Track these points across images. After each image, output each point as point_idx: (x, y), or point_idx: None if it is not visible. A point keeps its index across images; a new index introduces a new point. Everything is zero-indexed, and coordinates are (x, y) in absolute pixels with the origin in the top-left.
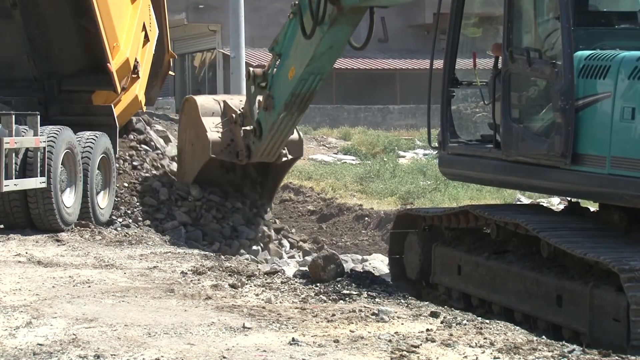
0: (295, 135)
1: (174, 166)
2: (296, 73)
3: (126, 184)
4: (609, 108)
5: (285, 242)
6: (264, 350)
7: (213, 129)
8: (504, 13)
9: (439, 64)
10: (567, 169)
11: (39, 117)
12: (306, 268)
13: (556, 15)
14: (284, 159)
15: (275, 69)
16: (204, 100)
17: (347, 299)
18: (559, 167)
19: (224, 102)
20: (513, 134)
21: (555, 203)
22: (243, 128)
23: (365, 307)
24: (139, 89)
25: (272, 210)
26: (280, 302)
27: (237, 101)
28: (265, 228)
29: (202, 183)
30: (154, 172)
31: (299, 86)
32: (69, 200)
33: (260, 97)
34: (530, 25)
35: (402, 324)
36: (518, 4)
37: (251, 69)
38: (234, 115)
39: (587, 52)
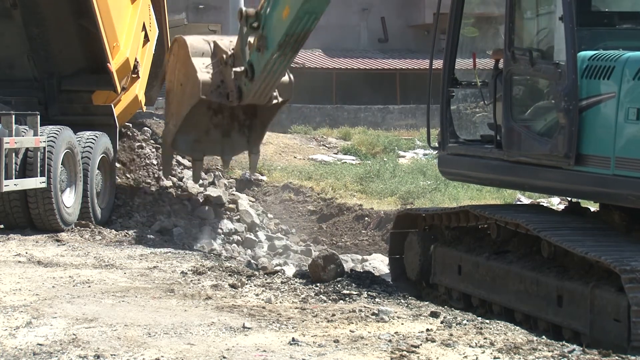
0: (285, 78)
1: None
2: (291, 12)
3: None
4: (613, 108)
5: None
6: (264, 350)
7: (203, 69)
8: (505, 13)
9: (438, 63)
10: (570, 170)
11: (39, 117)
12: (306, 268)
13: (559, 16)
14: (275, 101)
15: (268, 9)
16: (193, 40)
17: (347, 299)
18: (562, 168)
19: (214, 42)
20: (515, 135)
21: (555, 203)
22: (234, 69)
23: (365, 307)
24: (139, 89)
25: (261, 167)
26: (280, 302)
27: (227, 42)
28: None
29: (190, 126)
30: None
31: (294, 26)
32: (69, 200)
33: (252, 39)
34: (533, 25)
35: (402, 324)
36: (520, 4)
37: (243, 8)
38: (224, 56)
39: (591, 53)
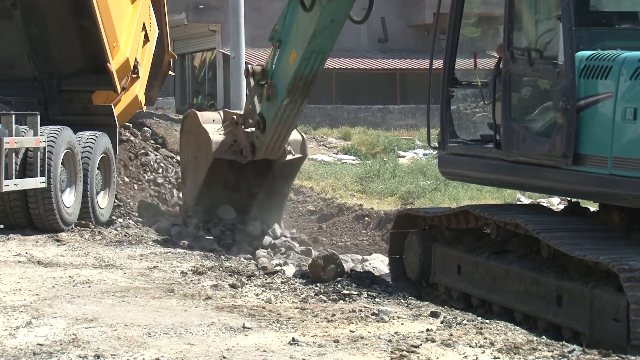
0: (298, 137)
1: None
2: (297, 54)
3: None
4: (610, 108)
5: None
6: (264, 350)
7: (215, 132)
8: (505, 13)
9: (439, 63)
10: (568, 169)
11: (39, 117)
12: (306, 268)
13: (557, 15)
14: (289, 156)
15: (275, 59)
16: (203, 113)
17: (347, 299)
18: (560, 168)
19: (223, 110)
20: (514, 134)
21: (556, 203)
22: (245, 130)
23: (365, 307)
24: (139, 89)
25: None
26: (280, 302)
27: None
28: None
29: (207, 205)
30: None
31: (302, 67)
32: (69, 200)
33: (256, 100)
34: (531, 25)
35: (402, 324)
36: (519, 4)
37: (249, 65)
38: (234, 117)
39: (589, 53)
